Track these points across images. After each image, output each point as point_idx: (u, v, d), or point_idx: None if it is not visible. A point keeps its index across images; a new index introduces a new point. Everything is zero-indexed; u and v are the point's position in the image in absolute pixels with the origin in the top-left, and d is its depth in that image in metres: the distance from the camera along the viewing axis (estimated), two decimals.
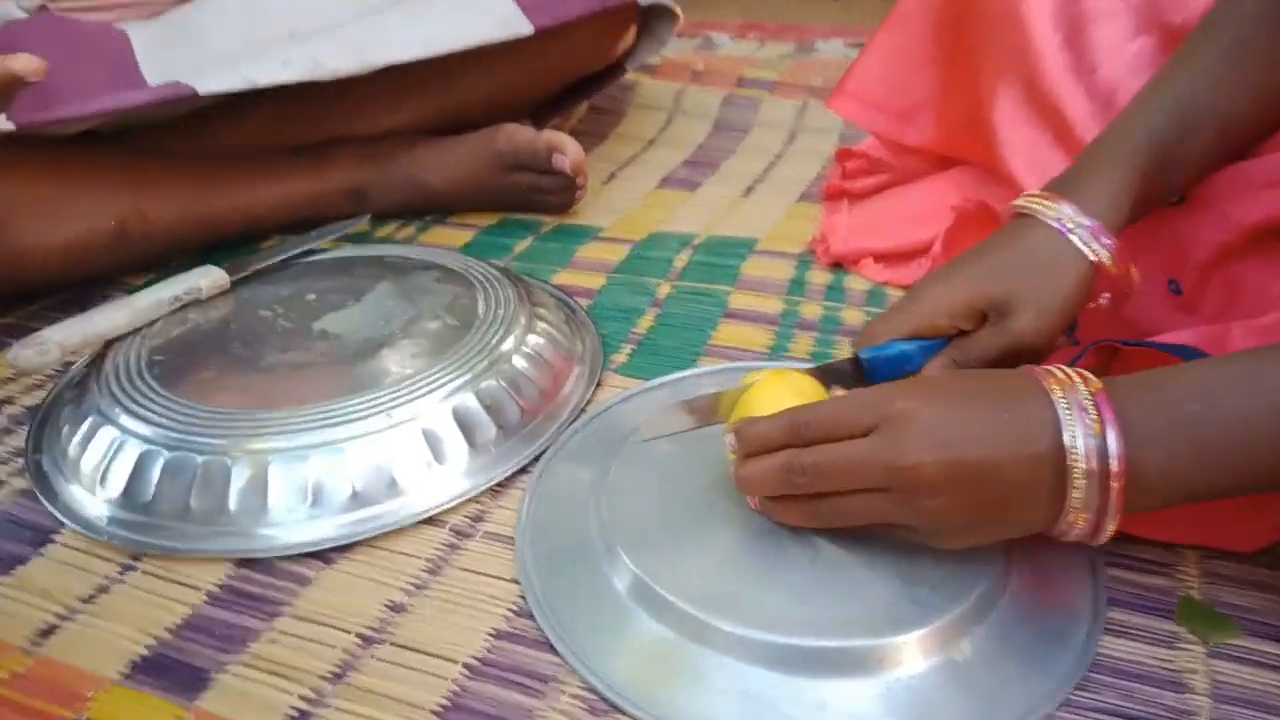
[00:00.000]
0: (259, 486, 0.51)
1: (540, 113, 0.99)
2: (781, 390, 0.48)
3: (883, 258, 0.75)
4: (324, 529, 0.51)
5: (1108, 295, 0.52)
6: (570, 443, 0.57)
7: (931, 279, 0.52)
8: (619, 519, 0.48)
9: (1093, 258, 0.49)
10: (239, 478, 0.51)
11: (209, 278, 0.66)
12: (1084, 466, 0.39)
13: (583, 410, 0.60)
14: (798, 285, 0.74)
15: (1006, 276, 0.50)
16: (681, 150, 1.05)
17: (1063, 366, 0.42)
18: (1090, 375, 0.41)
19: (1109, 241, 0.49)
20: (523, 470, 0.55)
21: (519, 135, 0.84)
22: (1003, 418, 0.40)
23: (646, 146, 1.06)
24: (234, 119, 0.81)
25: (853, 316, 0.69)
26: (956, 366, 0.49)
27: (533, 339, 0.61)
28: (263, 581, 0.48)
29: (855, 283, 0.75)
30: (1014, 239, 0.51)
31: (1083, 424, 0.39)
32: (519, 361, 0.59)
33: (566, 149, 0.82)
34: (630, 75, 1.16)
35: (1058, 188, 0.52)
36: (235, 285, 0.68)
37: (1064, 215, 0.50)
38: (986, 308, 0.50)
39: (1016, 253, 0.50)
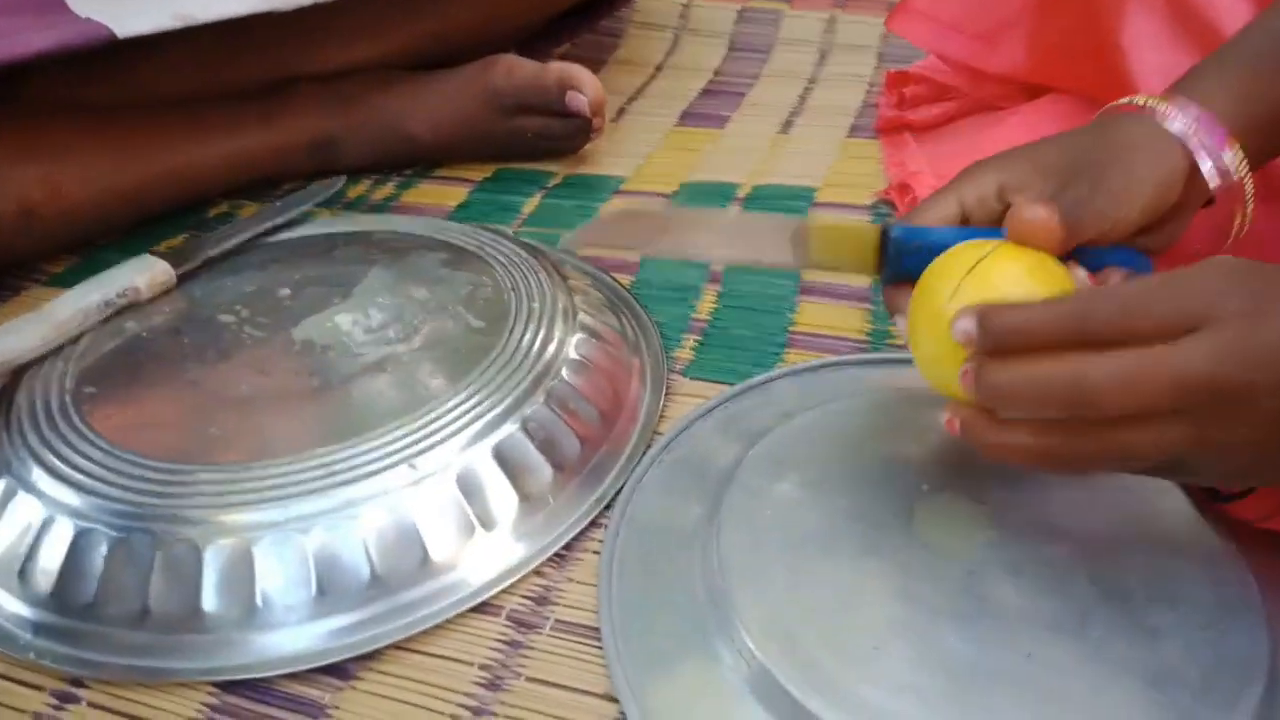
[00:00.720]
0: (243, 575, 0.37)
1: (528, 42, 0.84)
2: (1027, 269, 0.35)
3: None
4: (336, 630, 0.37)
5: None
6: (649, 480, 0.44)
7: (985, 160, 0.42)
8: (747, 599, 0.36)
9: (1189, 145, 0.39)
10: (214, 564, 0.37)
11: (148, 272, 0.51)
12: None
13: (656, 433, 0.46)
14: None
15: (1072, 152, 0.40)
16: (697, 78, 0.89)
17: None
18: None
19: (1220, 135, 0.39)
20: (593, 524, 0.42)
21: (520, 69, 0.69)
22: None
23: (654, 74, 0.91)
24: (163, 59, 0.64)
25: None
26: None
27: (580, 339, 0.48)
28: (259, 714, 0.35)
29: None
30: (1094, 128, 0.42)
31: None
32: (568, 374, 0.45)
33: (583, 84, 0.67)
34: None
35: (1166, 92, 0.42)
36: (183, 280, 0.52)
37: (1161, 106, 0.40)
38: (1044, 183, 0.40)
39: (1093, 136, 0.41)
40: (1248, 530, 0.37)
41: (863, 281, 0.58)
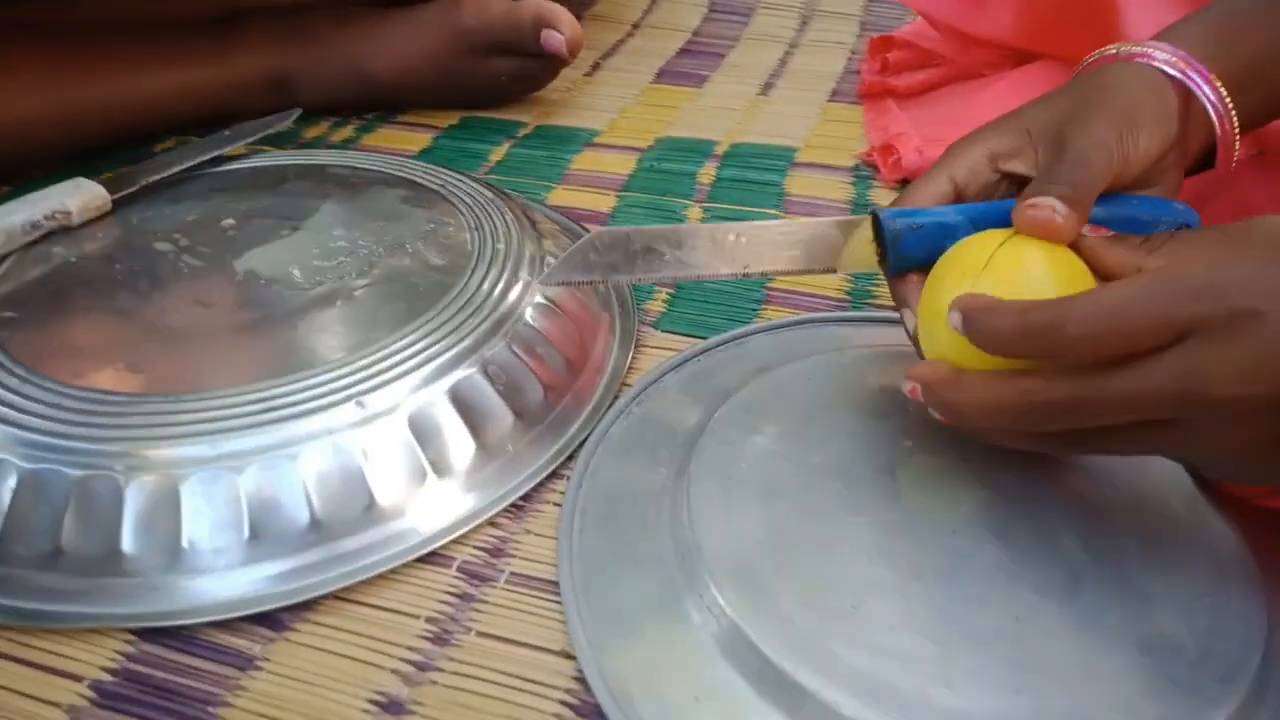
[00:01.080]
0: (168, 514, 0.34)
1: None
2: (1040, 263, 0.32)
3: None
4: (270, 577, 0.34)
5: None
6: (616, 432, 0.41)
7: (971, 134, 0.40)
8: (717, 553, 0.33)
9: (1180, 78, 0.38)
10: (137, 501, 0.34)
11: (80, 195, 0.47)
12: None
13: (624, 384, 0.44)
14: (862, 209, 0.59)
15: (1062, 107, 0.38)
16: (675, 37, 0.87)
17: None
18: None
19: (1204, 73, 0.38)
20: (554, 475, 0.39)
21: (492, 5, 0.65)
22: None
23: (631, 31, 0.88)
24: None
25: None
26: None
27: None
28: (180, 665, 0.32)
29: None
30: (1077, 81, 0.40)
31: None
32: (533, 317, 0.43)
33: (560, 23, 0.63)
34: None
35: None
36: (119, 206, 0.48)
37: (1141, 48, 0.39)
38: (1043, 139, 0.38)
39: (1079, 88, 0.39)
40: (1239, 501, 0.36)
41: None
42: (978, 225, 0.36)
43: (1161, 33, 0.41)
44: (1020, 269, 0.32)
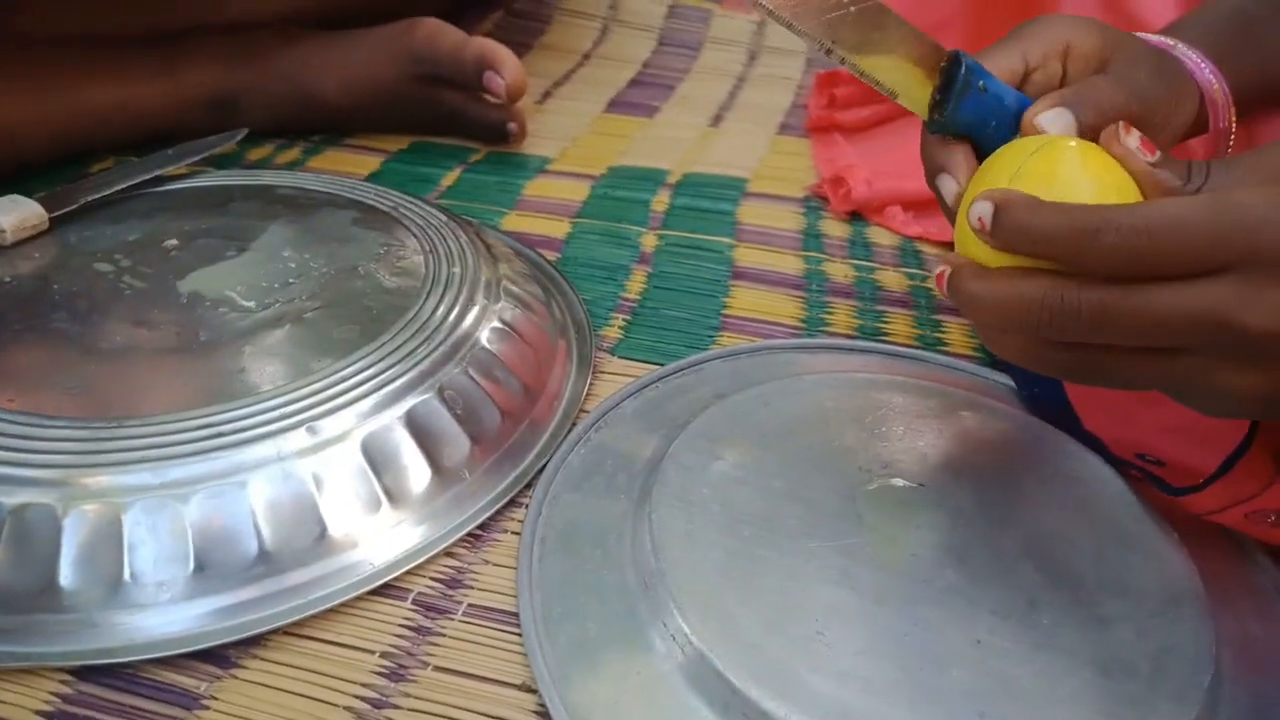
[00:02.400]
0: (109, 546, 0.32)
1: (459, 8, 0.80)
2: (1096, 170, 0.31)
3: (911, 205, 0.61)
4: (217, 611, 0.33)
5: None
6: (575, 458, 0.40)
7: (1053, 16, 0.39)
8: (681, 581, 0.33)
9: (1192, 67, 0.39)
10: (76, 532, 0.32)
11: (16, 212, 0.45)
12: None
13: (582, 410, 0.43)
14: (813, 239, 0.60)
15: (1123, 45, 0.38)
16: (625, 68, 0.87)
17: None
18: None
19: (1201, 57, 0.40)
20: (511, 503, 0.39)
21: (442, 38, 0.65)
22: None
23: (582, 61, 0.89)
24: None
25: (892, 280, 0.55)
26: (1070, 114, 0.35)
27: (503, 307, 0.44)
28: (121, 706, 0.30)
29: (879, 235, 0.61)
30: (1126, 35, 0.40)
31: None
32: (490, 341, 0.42)
33: (503, 65, 0.63)
34: None
35: None
36: (56, 224, 0.47)
37: (1157, 37, 0.41)
38: (1111, 55, 0.38)
39: (1129, 40, 0.39)
40: (1185, 519, 0.37)
41: (796, 268, 0.56)
42: (1020, 111, 0.35)
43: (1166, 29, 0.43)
44: (1062, 173, 0.31)
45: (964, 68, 0.34)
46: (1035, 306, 0.29)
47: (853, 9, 0.34)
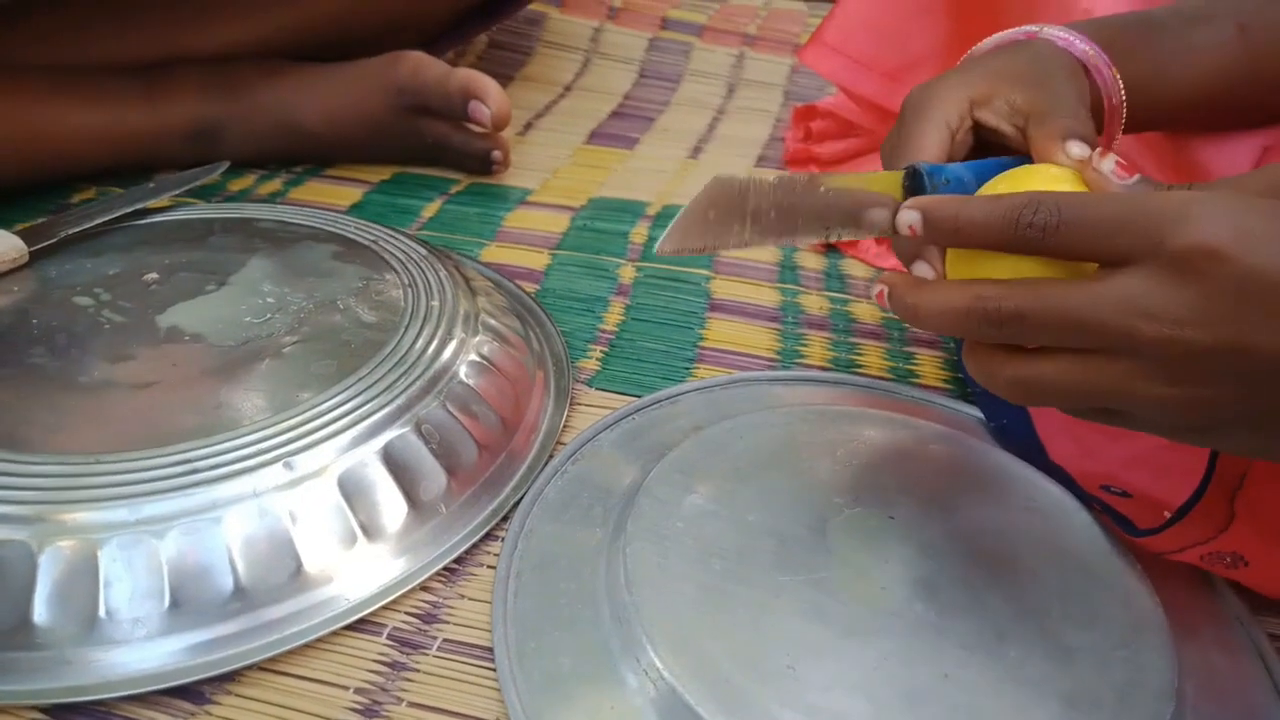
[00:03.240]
0: (85, 583, 0.32)
1: (437, 40, 0.81)
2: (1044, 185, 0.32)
3: (885, 239, 0.62)
4: (192, 647, 0.33)
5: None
6: (551, 492, 0.41)
7: (939, 80, 0.39)
8: (654, 615, 0.33)
9: (1092, 64, 0.39)
10: (51, 569, 0.32)
11: None
12: None
13: (559, 443, 0.44)
14: (789, 270, 0.60)
15: (1014, 65, 0.39)
16: (606, 100, 0.89)
17: None
18: None
19: (1083, 37, 0.40)
20: (488, 536, 0.39)
21: (427, 70, 0.66)
22: None
23: (563, 93, 0.90)
24: (31, 26, 0.59)
25: (865, 312, 0.56)
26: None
27: (481, 340, 0.45)
28: None
29: (854, 268, 0.62)
30: (1013, 49, 0.40)
31: None
32: (468, 375, 0.42)
33: (487, 94, 0.64)
34: (536, 5, 0.99)
35: None
36: (36, 258, 0.47)
37: (1060, 31, 0.40)
38: (1008, 91, 0.38)
39: (1019, 56, 0.39)
40: (1152, 558, 0.37)
41: (772, 300, 0.57)
42: (981, 182, 0.36)
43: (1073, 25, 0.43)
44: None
45: (924, 176, 0.36)
46: (963, 311, 0.30)
47: (773, 213, 0.34)
